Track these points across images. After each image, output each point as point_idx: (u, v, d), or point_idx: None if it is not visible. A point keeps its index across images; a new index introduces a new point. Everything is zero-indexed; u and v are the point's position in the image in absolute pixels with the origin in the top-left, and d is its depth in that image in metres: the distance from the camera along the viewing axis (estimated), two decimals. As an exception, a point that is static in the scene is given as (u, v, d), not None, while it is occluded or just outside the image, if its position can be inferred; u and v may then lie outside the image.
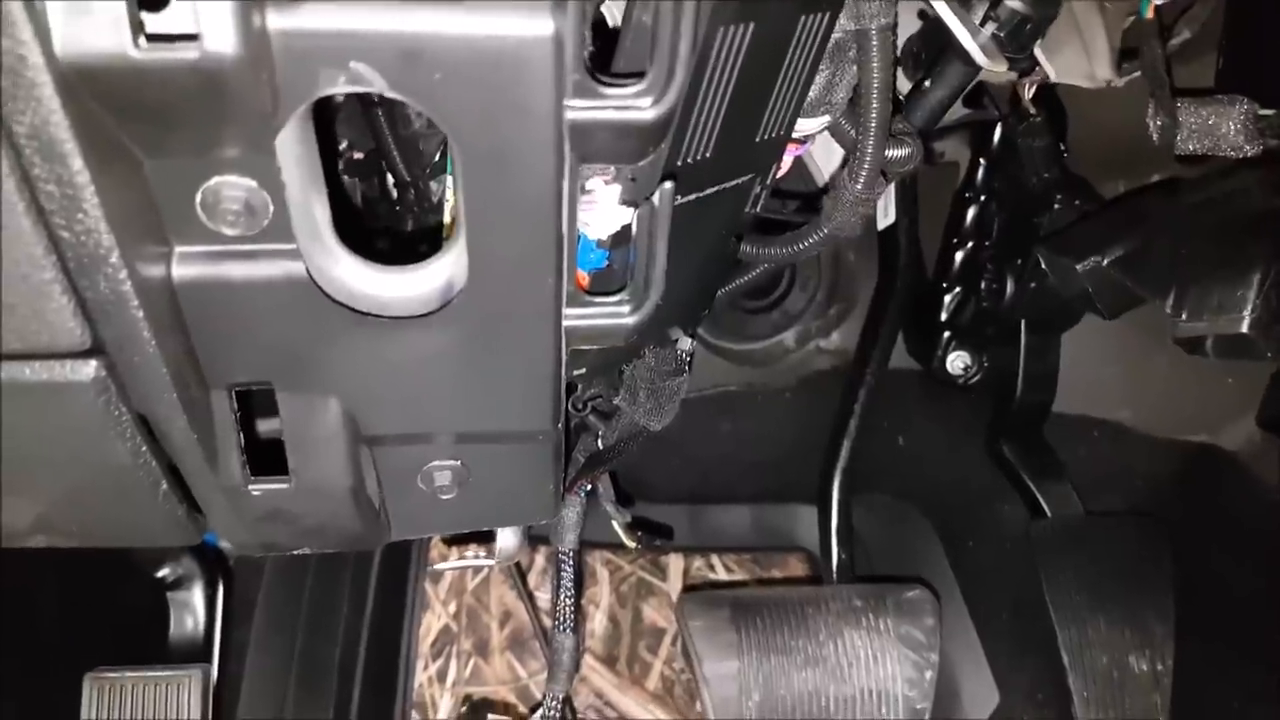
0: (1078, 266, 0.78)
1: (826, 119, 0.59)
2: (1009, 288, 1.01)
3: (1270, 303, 0.69)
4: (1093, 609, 0.94)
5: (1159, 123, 0.75)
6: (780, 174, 0.61)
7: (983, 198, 1.02)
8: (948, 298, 1.05)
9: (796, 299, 1.19)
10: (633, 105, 0.37)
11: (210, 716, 0.64)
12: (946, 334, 1.06)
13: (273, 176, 0.35)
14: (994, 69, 0.64)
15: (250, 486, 0.43)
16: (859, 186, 0.59)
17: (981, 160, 1.00)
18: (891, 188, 1.00)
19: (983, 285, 1.03)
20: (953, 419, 1.10)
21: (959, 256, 1.05)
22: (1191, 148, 0.75)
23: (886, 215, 1.06)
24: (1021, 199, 0.97)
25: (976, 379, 1.05)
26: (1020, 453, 1.04)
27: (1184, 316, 0.72)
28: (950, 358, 1.04)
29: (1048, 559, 0.97)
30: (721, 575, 1.15)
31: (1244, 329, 0.69)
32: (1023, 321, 1.01)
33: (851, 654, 0.81)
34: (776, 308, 1.19)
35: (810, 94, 0.57)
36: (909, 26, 0.75)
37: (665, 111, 0.38)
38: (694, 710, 1.04)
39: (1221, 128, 0.74)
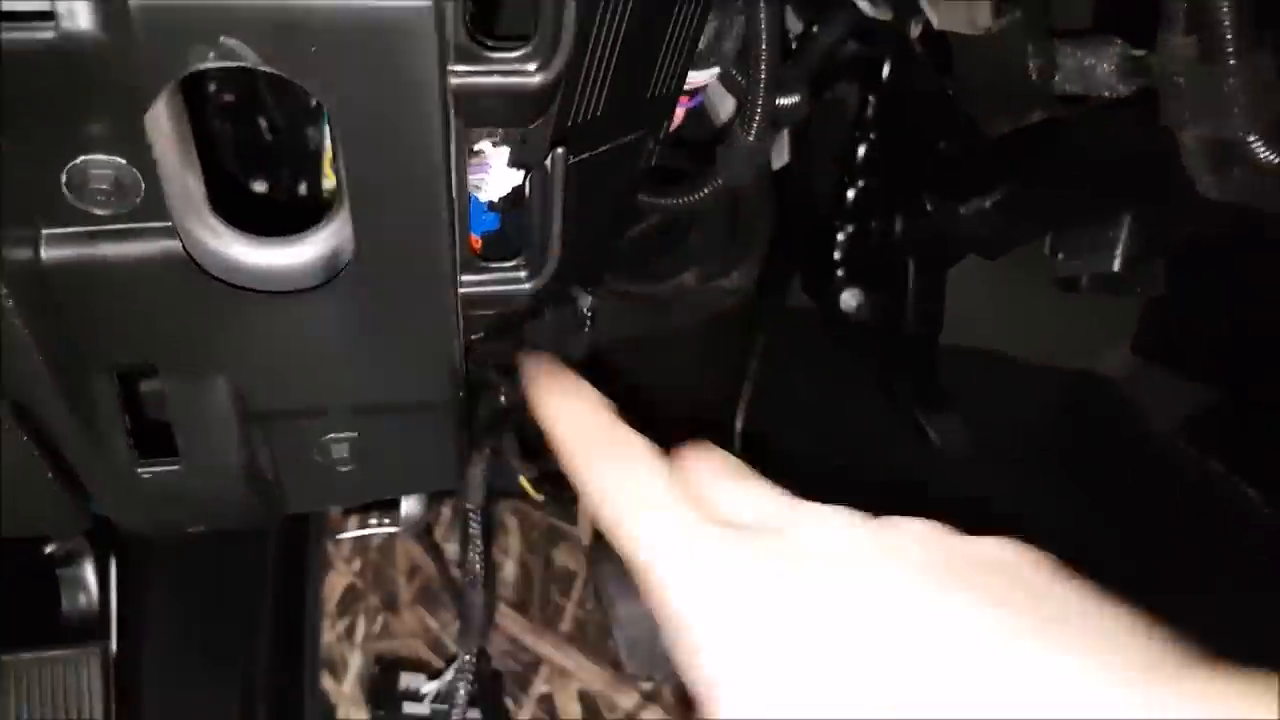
0: (961, 209, 0.80)
1: (716, 70, 0.58)
2: (898, 226, 1.03)
3: (1140, 241, 0.73)
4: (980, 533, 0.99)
5: (1037, 64, 0.77)
6: (673, 127, 0.61)
7: (871, 136, 1.03)
8: (840, 236, 1.07)
9: (695, 239, 1.19)
10: (518, 70, 0.37)
11: (113, 693, 0.63)
12: (840, 272, 1.07)
13: (143, 153, 0.33)
14: (880, 16, 0.65)
15: (139, 470, 0.42)
16: (751, 137, 0.60)
17: (870, 99, 1.01)
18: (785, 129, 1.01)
19: (873, 224, 1.05)
20: (847, 355, 1.13)
21: (849, 195, 1.06)
22: (1069, 89, 0.77)
23: (781, 156, 1.07)
24: (909, 138, 0.98)
25: (869, 315, 1.07)
26: (910, 386, 1.07)
27: (1061, 257, 0.75)
28: (844, 295, 1.06)
29: (938, 487, 1.01)
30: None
31: (1115, 268, 0.72)
32: (913, 258, 1.04)
33: (755, 589, 0.84)
34: (676, 248, 1.19)
35: (699, 45, 0.57)
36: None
37: (552, 77, 0.38)
38: (607, 647, 1.06)
39: (1097, 70, 0.76)
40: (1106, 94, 0.76)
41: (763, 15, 0.54)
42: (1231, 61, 0.41)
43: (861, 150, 1.01)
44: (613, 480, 0.41)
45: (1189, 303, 0.92)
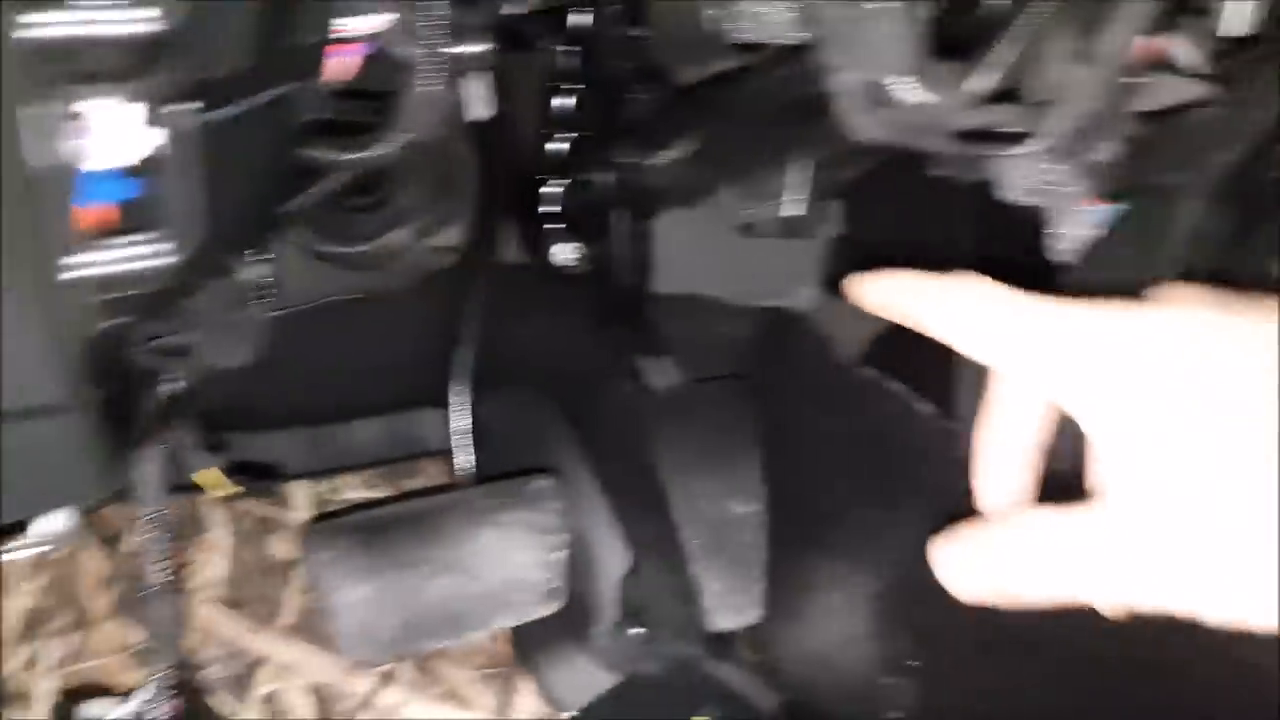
0: (655, 161, 0.81)
1: (389, 16, 0.55)
2: (602, 177, 1.03)
3: (819, 183, 0.77)
4: (695, 466, 1.03)
5: (712, 12, 0.79)
6: (351, 75, 0.57)
7: (570, 87, 1.02)
8: (548, 189, 1.06)
9: (404, 195, 1.13)
10: (118, 18, 0.32)
11: None
12: (551, 225, 1.07)
13: None
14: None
15: None
16: (426, 86, 0.57)
17: (567, 48, 1.00)
18: (484, 79, 0.98)
19: (579, 175, 1.05)
20: (566, 307, 1.14)
21: (554, 147, 1.05)
22: (747, 37, 0.80)
23: (481, 108, 1.03)
24: (607, 88, 0.98)
25: (583, 267, 1.07)
26: (626, 332, 1.09)
27: (749, 203, 0.78)
28: (556, 248, 1.06)
29: (655, 426, 1.05)
30: (356, 495, 1.11)
31: (802, 211, 0.76)
32: (618, 209, 1.04)
33: (482, 553, 0.83)
34: (384, 205, 1.13)
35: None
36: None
37: (169, 22, 0.33)
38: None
39: (770, 17, 0.79)
40: (781, 41, 0.79)
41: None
42: (872, 5, 0.44)
43: (561, 103, 1.00)
44: (951, 299, 0.44)
45: (863, 237, 0.99)
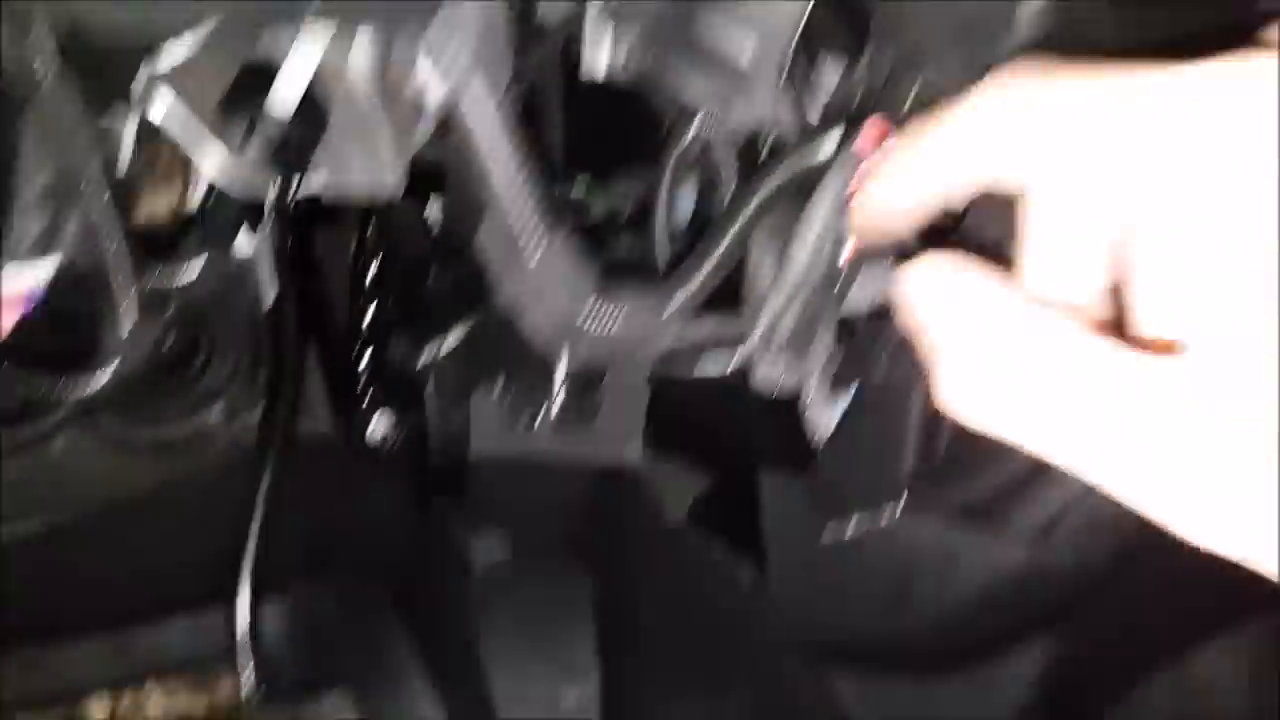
0: (424, 357, 0.80)
1: (56, 258, 0.51)
2: (411, 353, 1.01)
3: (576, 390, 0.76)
4: (524, 648, 0.99)
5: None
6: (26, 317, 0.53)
7: (374, 263, 1.01)
8: (361, 363, 1.03)
9: (218, 370, 1.07)
10: None
11: None
12: (366, 399, 1.03)
13: None
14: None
15: None
16: (120, 334, 0.54)
17: (371, 222, 0.99)
18: (266, 257, 0.94)
19: (390, 349, 1.02)
20: (384, 485, 1.09)
21: (363, 320, 1.03)
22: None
23: (270, 287, 1.00)
24: (408, 264, 0.97)
25: (400, 440, 1.04)
26: (450, 508, 1.05)
27: (513, 395, 0.76)
28: (371, 422, 1.02)
29: (480, 608, 1.00)
30: (158, 709, 1.02)
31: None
32: (427, 381, 1.02)
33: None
34: (197, 382, 1.07)
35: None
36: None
37: None
38: None
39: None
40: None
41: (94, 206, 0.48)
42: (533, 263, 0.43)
43: (367, 278, 0.98)
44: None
45: (679, 400, 0.98)
